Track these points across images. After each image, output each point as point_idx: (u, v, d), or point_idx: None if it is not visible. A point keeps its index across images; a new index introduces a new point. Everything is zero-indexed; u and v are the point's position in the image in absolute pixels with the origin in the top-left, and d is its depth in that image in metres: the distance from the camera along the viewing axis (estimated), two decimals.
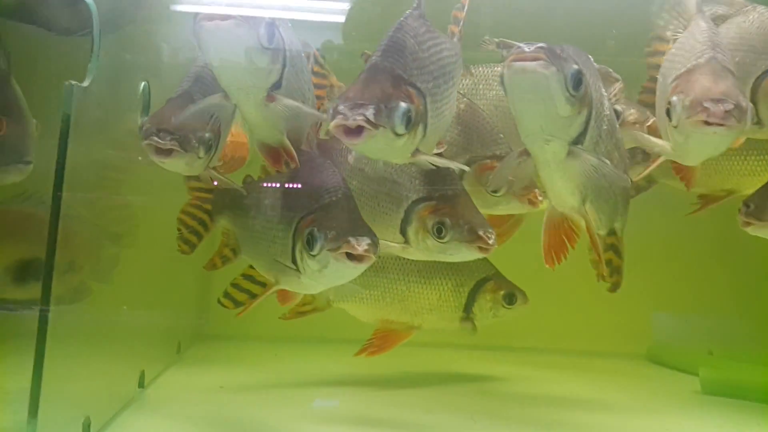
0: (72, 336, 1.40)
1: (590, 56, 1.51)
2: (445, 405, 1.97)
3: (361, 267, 1.39)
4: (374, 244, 1.38)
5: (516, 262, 1.99)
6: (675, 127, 1.38)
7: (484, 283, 2.03)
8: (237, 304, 1.88)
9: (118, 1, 1.66)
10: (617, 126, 1.60)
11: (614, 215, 1.63)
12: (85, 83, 1.28)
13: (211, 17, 1.30)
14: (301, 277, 1.47)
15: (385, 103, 1.27)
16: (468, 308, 2.04)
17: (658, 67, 1.72)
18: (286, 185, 1.64)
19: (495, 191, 1.71)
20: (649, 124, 1.74)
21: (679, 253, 2.60)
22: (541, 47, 1.27)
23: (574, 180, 1.46)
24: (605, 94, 1.52)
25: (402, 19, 1.45)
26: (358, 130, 1.24)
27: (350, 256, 1.36)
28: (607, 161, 1.44)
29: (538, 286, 2.06)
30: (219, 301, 1.87)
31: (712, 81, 1.36)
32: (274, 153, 1.57)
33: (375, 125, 1.24)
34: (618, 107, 1.75)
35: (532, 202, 1.71)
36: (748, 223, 1.48)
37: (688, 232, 2.38)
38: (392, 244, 1.62)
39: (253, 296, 1.87)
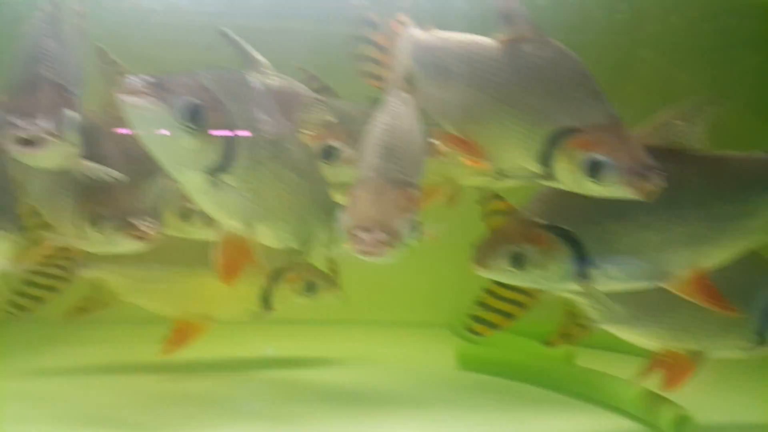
0: None
1: (247, 76, 1.54)
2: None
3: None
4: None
5: None
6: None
7: (282, 274, 2.01)
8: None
9: None
10: (294, 147, 1.56)
11: (308, 229, 1.66)
12: None
13: None
14: None
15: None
16: (267, 300, 2.03)
17: (370, 75, 1.78)
18: None
19: None
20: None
21: None
22: (147, 81, 1.28)
23: (225, 207, 1.48)
24: (270, 118, 1.49)
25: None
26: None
27: None
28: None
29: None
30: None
31: (368, 205, 1.36)
32: None
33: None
34: (336, 144, 1.77)
35: None
36: (476, 266, 1.56)
37: None
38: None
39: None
